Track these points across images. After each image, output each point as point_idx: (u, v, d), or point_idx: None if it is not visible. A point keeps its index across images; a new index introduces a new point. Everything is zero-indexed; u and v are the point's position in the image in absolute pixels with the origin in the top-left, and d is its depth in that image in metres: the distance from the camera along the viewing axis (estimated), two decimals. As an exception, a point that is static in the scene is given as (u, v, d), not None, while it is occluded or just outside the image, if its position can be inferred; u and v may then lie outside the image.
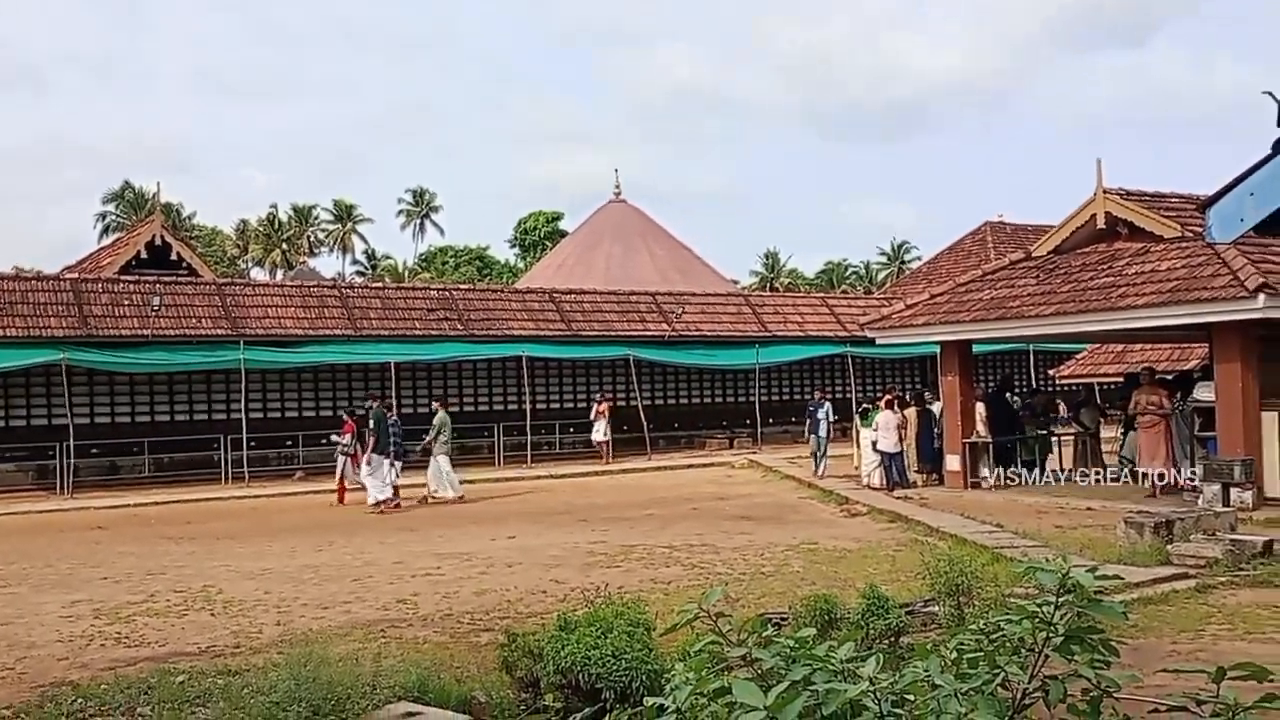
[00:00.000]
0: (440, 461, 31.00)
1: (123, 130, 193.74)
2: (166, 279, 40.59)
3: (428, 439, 31.12)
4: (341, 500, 30.80)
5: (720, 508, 27.47)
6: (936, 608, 12.96)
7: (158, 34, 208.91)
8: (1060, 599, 3.81)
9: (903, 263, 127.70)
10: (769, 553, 19.59)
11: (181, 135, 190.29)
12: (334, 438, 32.40)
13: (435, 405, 32.70)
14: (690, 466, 39.64)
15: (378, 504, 28.62)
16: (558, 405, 46.23)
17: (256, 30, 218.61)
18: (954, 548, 17.49)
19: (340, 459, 31.58)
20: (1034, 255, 29.88)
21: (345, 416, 32.63)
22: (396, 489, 29.49)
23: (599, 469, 39.16)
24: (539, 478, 37.06)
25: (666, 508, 27.70)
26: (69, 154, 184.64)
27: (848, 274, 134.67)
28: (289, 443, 39.87)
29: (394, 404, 38.82)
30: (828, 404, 34.25)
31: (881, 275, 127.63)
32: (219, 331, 37.84)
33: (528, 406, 42.09)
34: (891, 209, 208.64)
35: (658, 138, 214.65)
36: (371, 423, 29.50)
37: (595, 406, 42.34)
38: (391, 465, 29.26)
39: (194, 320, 38.03)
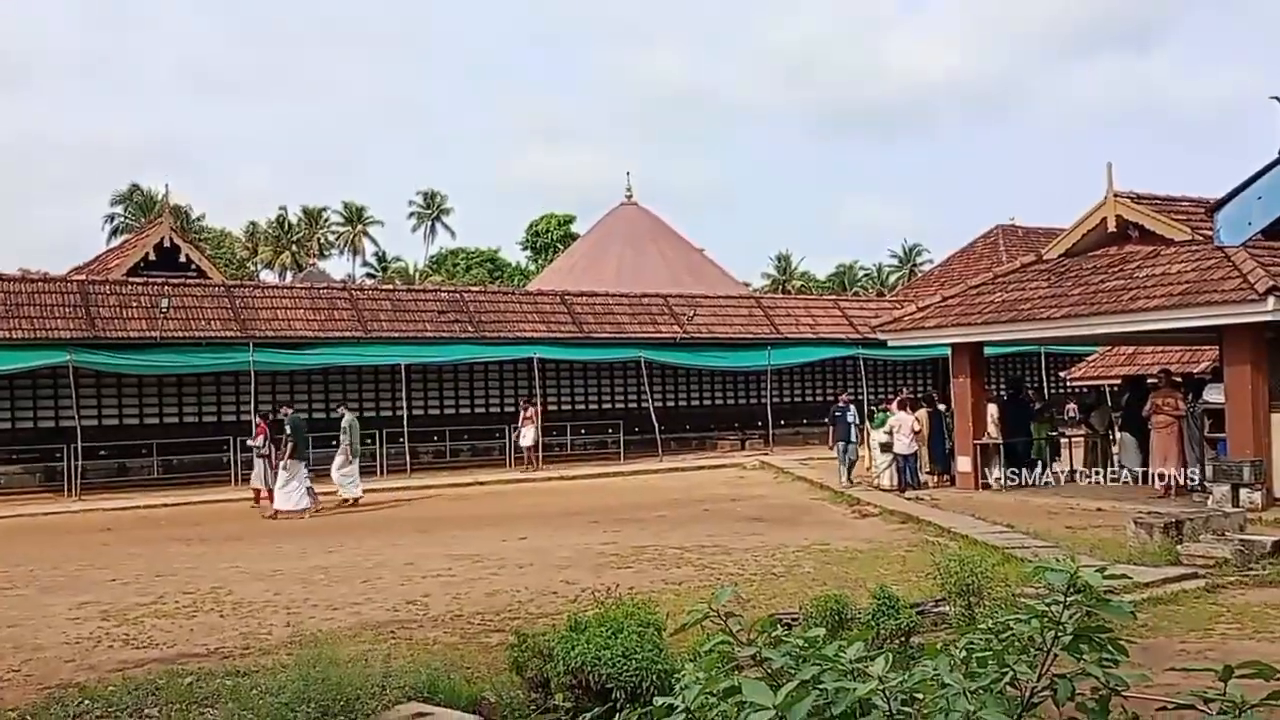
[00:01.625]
0: (341, 461, 31.11)
1: (111, 128, 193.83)
2: (175, 281, 40.54)
3: (345, 443, 31.01)
4: (258, 502, 30.66)
5: (732, 509, 27.46)
6: (947, 608, 12.99)
7: (142, 32, 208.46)
8: (1069, 598, 3.82)
9: (914, 265, 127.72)
10: (780, 554, 19.60)
11: (170, 133, 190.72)
12: (249, 442, 32.30)
13: (342, 409, 32.75)
14: (702, 468, 39.57)
15: (284, 513, 28.59)
16: (569, 407, 46.21)
17: (241, 29, 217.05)
18: (965, 548, 17.46)
19: (257, 463, 31.24)
20: (1045, 258, 29.86)
21: (258, 420, 32.18)
22: (314, 494, 29.65)
23: (612, 470, 38.99)
24: (550, 479, 37.08)
25: (678, 509, 27.70)
26: (56, 151, 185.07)
27: (859, 276, 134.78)
28: (300, 444, 39.78)
29: (405, 405, 39.11)
30: (853, 407, 33.20)
31: (893, 278, 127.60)
32: (228, 333, 37.89)
33: (539, 408, 42.06)
34: (897, 211, 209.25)
35: (652, 137, 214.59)
36: (288, 430, 29.36)
37: (522, 413, 41.19)
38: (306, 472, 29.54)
39: (203, 322, 38.03)
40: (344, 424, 31.32)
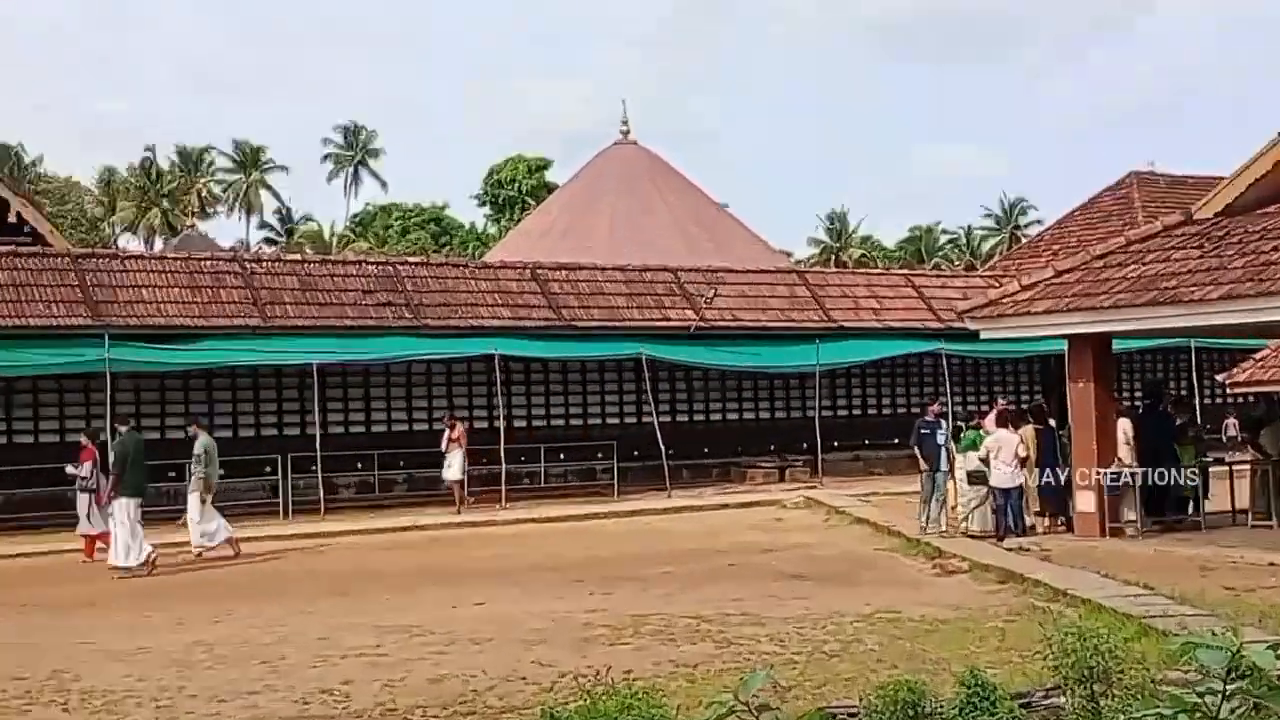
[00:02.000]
0: (193, 501, 30.61)
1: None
2: (1, 249, 40.46)
3: (200, 472, 30.33)
4: (90, 553, 30.58)
5: (766, 563, 27.52)
6: (1062, 699, 13.00)
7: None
8: (1230, 685, 3.83)
9: (1017, 228, 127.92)
10: (833, 625, 19.62)
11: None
12: (70, 469, 31.82)
13: (193, 428, 32.12)
14: (725, 507, 39.65)
15: (136, 567, 28.10)
16: (543, 424, 46.17)
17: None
18: (1086, 617, 17.49)
19: (82, 498, 31.07)
20: (1196, 218, 29.81)
21: (83, 440, 31.98)
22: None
23: (602, 510, 38.96)
24: (518, 521, 37.08)
25: (692, 563, 27.77)
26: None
27: (941, 243, 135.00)
28: (171, 474, 38.41)
29: (318, 421, 39.17)
30: (944, 421, 33.00)
31: (987, 245, 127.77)
32: (75, 321, 37.68)
33: (502, 425, 41.90)
34: (990, 160, 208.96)
35: (662, 65, 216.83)
36: (114, 455, 29.11)
37: (447, 432, 40.46)
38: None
39: (40, 305, 37.85)
40: (197, 449, 30.77)
